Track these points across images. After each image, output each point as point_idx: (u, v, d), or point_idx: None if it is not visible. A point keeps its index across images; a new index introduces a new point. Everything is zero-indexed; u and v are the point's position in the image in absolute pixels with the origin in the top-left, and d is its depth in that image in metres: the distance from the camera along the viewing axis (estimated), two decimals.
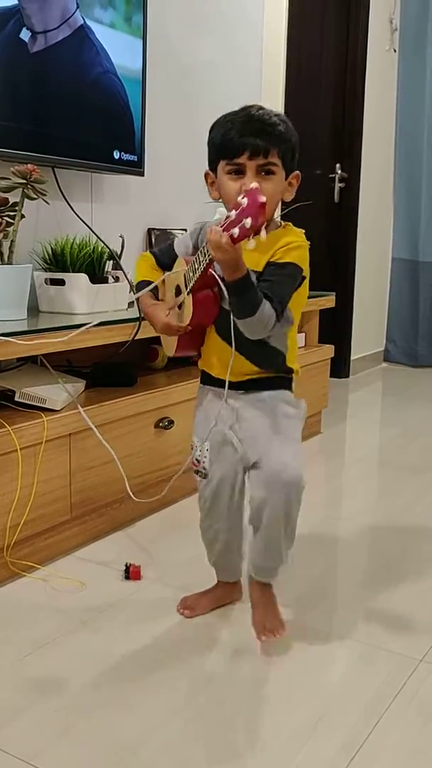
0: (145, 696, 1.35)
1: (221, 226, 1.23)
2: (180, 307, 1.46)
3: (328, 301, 3.11)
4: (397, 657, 1.48)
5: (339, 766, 1.17)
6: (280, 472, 1.41)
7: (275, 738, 1.24)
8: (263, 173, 1.39)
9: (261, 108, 1.40)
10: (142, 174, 2.48)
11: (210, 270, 1.36)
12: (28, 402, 1.84)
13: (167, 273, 1.52)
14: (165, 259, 1.54)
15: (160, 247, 1.59)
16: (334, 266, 4.30)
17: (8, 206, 1.94)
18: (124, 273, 2.27)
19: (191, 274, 1.40)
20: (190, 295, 1.41)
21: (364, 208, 4.34)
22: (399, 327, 4.78)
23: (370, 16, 4.18)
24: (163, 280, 1.52)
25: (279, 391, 1.50)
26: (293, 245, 1.41)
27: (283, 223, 1.47)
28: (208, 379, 1.54)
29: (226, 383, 1.46)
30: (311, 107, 3.96)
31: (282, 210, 3.22)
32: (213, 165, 1.44)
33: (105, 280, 2.20)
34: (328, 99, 4.11)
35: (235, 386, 1.48)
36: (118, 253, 2.31)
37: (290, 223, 1.48)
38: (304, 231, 1.46)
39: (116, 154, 2.37)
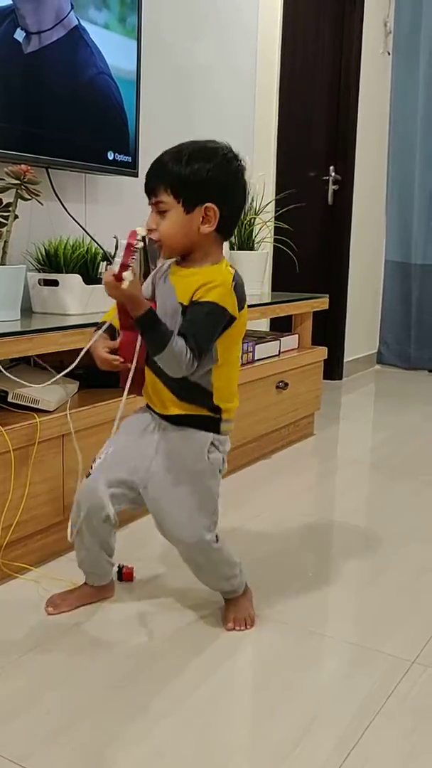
0: (137, 697, 1.34)
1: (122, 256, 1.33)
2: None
3: (322, 303, 3.12)
4: (389, 658, 1.48)
5: (332, 766, 1.17)
6: (177, 536, 1.50)
7: (268, 739, 1.24)
8: (159, 212, 1.43)
9: (176, 148, 1.44)
10: (136, 175, 2.48)
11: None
12: (21, 403, 1.84)
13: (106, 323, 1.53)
14: None
15: None
16: (327, 268, 4.31)
17: (2, 207, 1.94)
18: None
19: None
20: (122, 332, 1.47)
21: (357, 211, 4.35)
22: (392, 329, 4.79)
23: (364, 19, 4.19)
24: (97, 330, 1.53)
25: (203, 433, 1.50)
26: (212, 284, 1.40)
27: (220, 260, 1.47)
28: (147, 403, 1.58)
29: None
30: (305, 110, 3.97)
31: (276, 211, 3.23)
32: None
33: (99, 281, 2.19)
34: (322, 101, 4.12)
35: (164, 417, 1.52)
36: (112, 254, 2.30)
37: (225, 260, 1.48)
38: (234, 271, 1.45)
39: (110, 155, 2.37)
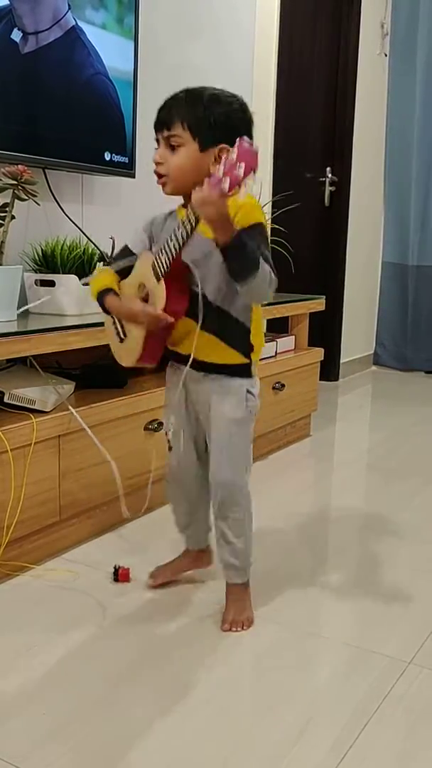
0: (133, 698, 1.34)
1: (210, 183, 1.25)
2: (146, 300, 1.46)
3: (318, 304, 3.12)
4: (386, 659, 1.48)
5: (329, 767, 1.18)
6: (215, 474, 1.56)
7: (264, 740, 1.24)
8: (170, 147, 1.43)
9: (192, 88, 1.45)
10: (133, 176, 2.48)
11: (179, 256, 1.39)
12: (17, 403, 1.84)
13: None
14: (123, 263, 1.55)
15: (114, 255, 1.62)
16: (323, 269, 4.31)
17: None
18: None
19: (161, 261, 1.41)
20: (161, 283, 1.41)
21: (354, 212, 4.36)
22: (388, 330, 4.79)
23: (361, 21, 4.20)
24: (119, 287, 1.53)
25: (238, 381, 1.53)
26: (249, 206, 1.41)
27: None
28: (174, 356, 1.58)
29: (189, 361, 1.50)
30: (302, 110, 3.97)
31: (272, 213, 3.23)
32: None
33: None
34: (319, 102, 4.12)
35: (197, 366, 1.51)
36: (109, 254, 2.30)
37: None
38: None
39: (107, 156, 2.37)
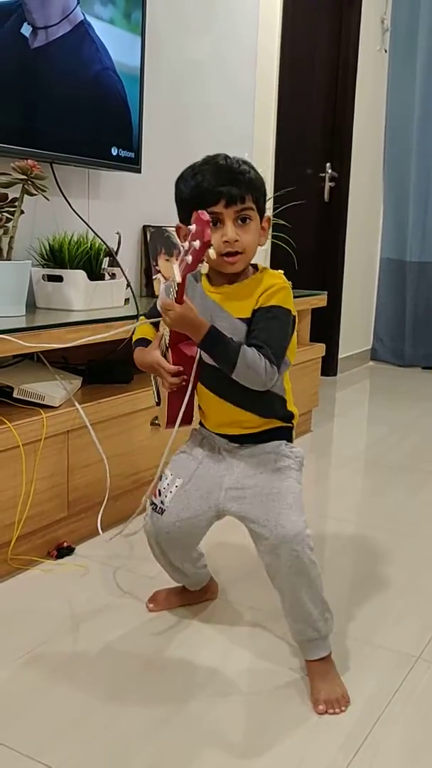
0: (147, 692, 1.35)
1: (178, 263, 1.22)
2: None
3: (320, 300, 3.13)
4: (394, 654, 1.50)
5: (341, 764, 1.19)
6: (273, 531, 1.33)
7: (276, 736, 1.25)
8: (240, 221, 1.35)
9: (226, 157, 1.37)
10: (139, 171, 2.49)
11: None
12: (27, 398, 1.84)
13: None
14: (154, 318, 1.49)
15: (150, 309, 1.54)
16: (323, 265, 4.32)
17: (7, 202, 1.94)
18: (121, 270, 2.27)
19: (166, 330, 1.36)
20: (169, 352, 1.37)
21: (353, 208, 4.37)
22: (386, 326, 4.81)
23: (362, 17, 4.20)
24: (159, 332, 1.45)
25: (277, 443, 1.44)
26: (275, 288, 1.37)
27: (260, 266, 1.45)
28: (205, 428, 1.51)
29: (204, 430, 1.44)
30: (302, 106, 3.97)
31: (274, 209, 3.23)
32: (185, 218, 1.39)
33: (101, 277, 2.20)
34: (319, 98, 4.13)
35: (232, 440, 1.45)
36: (114, 249, 2.31)
37: (267, 267, 1.45)
38: (282, 271, 1.44)
39: (114, 151, 2.37)
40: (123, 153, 2.41)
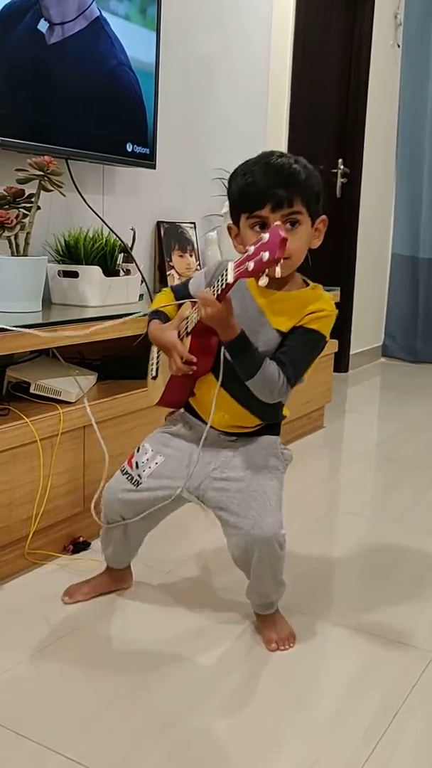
0: (167, 684, 1.36)
1: (236, 262, 1.18)
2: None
3: (333, 296, 3.11)
4: (411, 649, 1.50)
5: (360, 758, 1.20)
6: (250, 530, 1.38)
7: (295, 731, 1.26)
8: (288, 224, 1.31)
9: (281, 155, 1.34)
10: (153, 167, 2.49)
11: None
12: (43, 394, 1.85)
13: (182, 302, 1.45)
14: (180, 297, 1.47)
15: (178, 285, 1.53)
16: (335, 261, 4.31)
17: (24, 198, 1.94)
18: (136, 265, 2.27)
19: (194, 316, 1.34)
20: (189, 338, 1.36)
21: (365, 204, 4.36)
22: (398, 322, 4.80)
23: (374, 12, 4.18)
24: (178, 308, 1.46)
25: (273, 440, 1.49)
26: (323, 314, 1.36)
27: (311, 284, 1.42)
28: (197, 416, 1.50)
29: (206, 430, 1.44)
30: (315, 102, 3.96)
31: None
32: (235, 218, 1.37)
33: (116, 273, 2.20)
34: (331, 94, 4.12)
35: (227, 434, 1.47)
36: (129, 245, 2.31)
37: (320, 286, 1.43)
38: (335, 295, 1.44)
39: (129, 147, 2.37)
40: (138, 149, 2.41)
